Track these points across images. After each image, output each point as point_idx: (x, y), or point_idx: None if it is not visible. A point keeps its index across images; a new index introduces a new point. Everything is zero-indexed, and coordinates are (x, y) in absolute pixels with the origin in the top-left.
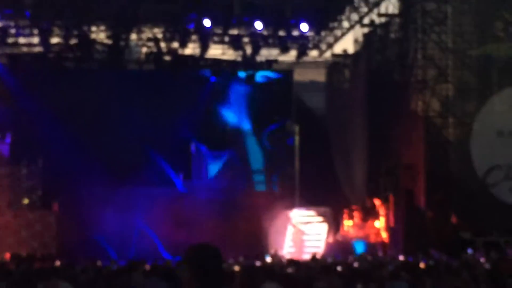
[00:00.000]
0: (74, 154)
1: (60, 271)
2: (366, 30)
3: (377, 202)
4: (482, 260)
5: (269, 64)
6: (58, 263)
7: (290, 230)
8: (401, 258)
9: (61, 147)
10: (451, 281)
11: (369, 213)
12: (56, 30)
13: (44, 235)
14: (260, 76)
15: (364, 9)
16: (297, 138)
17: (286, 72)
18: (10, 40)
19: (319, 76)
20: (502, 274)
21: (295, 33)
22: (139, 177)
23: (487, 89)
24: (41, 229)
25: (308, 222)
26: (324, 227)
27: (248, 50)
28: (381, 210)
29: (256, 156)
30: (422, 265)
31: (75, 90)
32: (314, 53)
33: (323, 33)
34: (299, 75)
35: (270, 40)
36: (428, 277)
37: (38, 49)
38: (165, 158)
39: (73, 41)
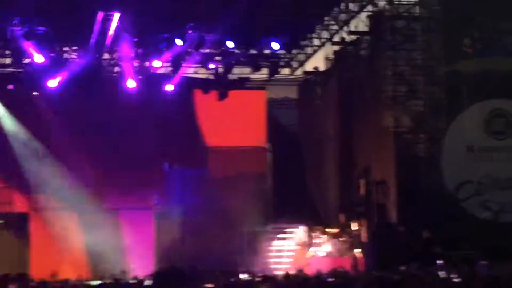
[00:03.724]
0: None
1: None
2: (336, 47)
3: (349, 218)
4: (453, 274)
5: (241, 82)
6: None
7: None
8: (373, 273)
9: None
10: None
11: (342, 229)
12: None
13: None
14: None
15: (335, 27)
16: (270, 155)
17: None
18: None
19: (291, 93)
20: None
21: (267, 51)
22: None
23: (457, 105)
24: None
25: (282, 239)
26: (298, 243)
27: (220, 68)
28: (354, 226)
29: None
30: (395, 279)
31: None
32: (285, 71)
33: (294, 51)
34: (271, 93)
35: (242, 59)
36: None
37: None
38: (137, 177)
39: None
